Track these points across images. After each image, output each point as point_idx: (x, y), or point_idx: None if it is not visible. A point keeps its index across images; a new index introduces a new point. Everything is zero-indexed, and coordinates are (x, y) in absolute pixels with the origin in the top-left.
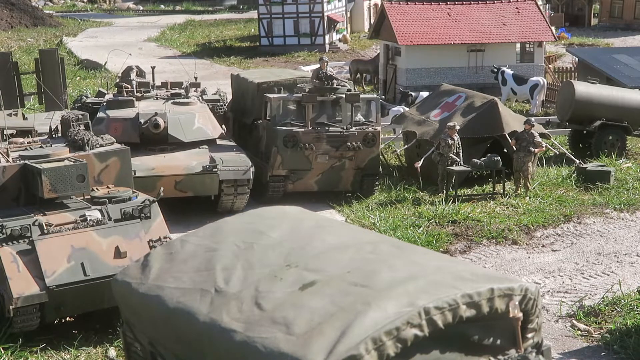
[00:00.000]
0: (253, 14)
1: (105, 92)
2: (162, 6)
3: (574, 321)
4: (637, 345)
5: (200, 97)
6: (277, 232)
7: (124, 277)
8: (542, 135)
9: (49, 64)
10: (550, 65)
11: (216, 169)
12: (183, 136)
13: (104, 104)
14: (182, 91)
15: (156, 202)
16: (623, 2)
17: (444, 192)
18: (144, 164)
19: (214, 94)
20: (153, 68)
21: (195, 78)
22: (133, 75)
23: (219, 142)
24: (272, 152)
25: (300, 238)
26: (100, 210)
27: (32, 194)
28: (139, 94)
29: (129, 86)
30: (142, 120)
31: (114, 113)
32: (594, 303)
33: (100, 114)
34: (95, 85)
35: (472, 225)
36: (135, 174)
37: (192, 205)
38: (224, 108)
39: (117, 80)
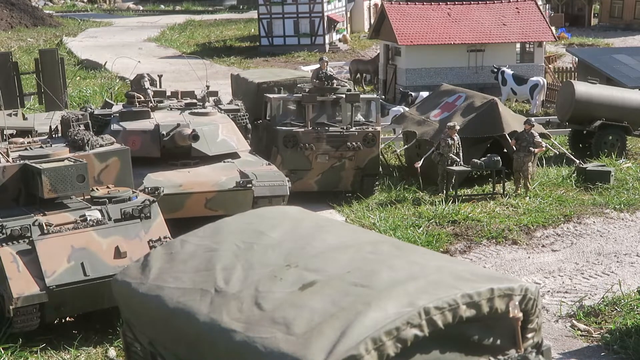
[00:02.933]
0: (253, 14)
1: (113, 102)
2: (162, 6)
3: (574, 321)
4: (637, 345)
5: (218, 108)
6: (277, 232)
7: (124, 277)
8: (542, 135)
9: (49, 64)
10: (550, 65)
11: (250, 185)
12: (207, 149)
13: (116, 115)
14: (195, 101)
15: (156, 202)
16: (623, 2)
17: (444, 192)
18: (169, 180)
19: (229, 103)
20: (160, 77)
21: (208, 87)
22: (147, 84)
23: (242, 155)
24: (272, 152)
25: (300, 238)
26: (100, 210)
27: (32, 194)
28: (152, 105)
29: (141, 96)
30: (163, 132)
31: (130, 125)
32: (594, 303)
33: (114, 126)
34: (95, 86)
35: (472, 225)
36: (162, 191)
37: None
38: (245, 118)
39: (130, 89)
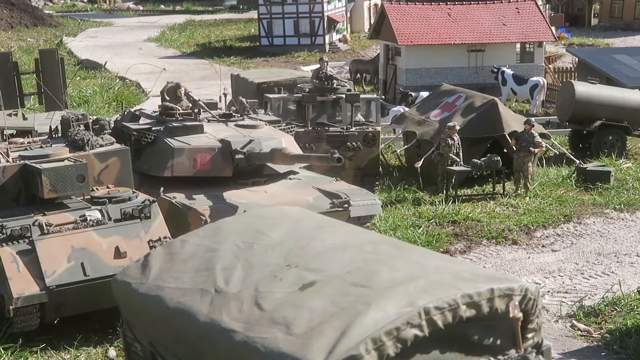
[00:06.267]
0: (253, 14)
1: (137, 113)
2: (162, 6)
3: (574, 321)
4: (637, 345)
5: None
6: (277, 232)
7: (124, 277)
8: (542, 135)
9: (49, 64)
10: (550, 65)
11: (347, 205)
12: (278, 166)
13: (159, 128)
14: (224, 110)
15: (156, 202)
16: (623, 2)
17: (444, 192)
18: (255, 202)
19: (229, 104)
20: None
21: (225, 95)
22: (193, 96)
23: (299, 170)
24: None
25: (300, 238)
26: (100, 210)
27: (32, 194)
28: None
29: (180, 107)
30: (236, 148)
31: (194, 141)
32: (594, 303)
33: (175, 143)
34: (95, 86)
35: (472, 225)
36: None
37: None
38: (292, 130)
39: (163, 99)
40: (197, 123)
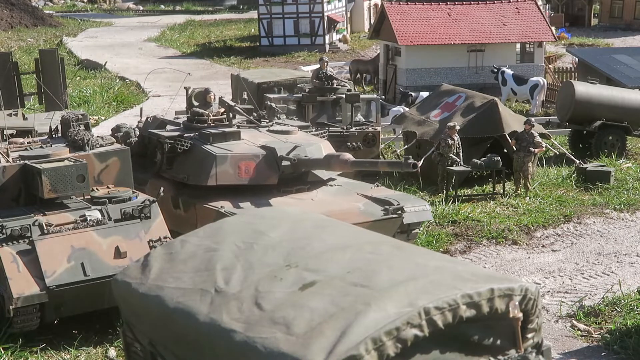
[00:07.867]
0: (253, 14)
1: (166, 118)
2: (162, 6)
3: (574, 321)
4: (637, 345)
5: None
6: (277, 232)
7: (124, 277)
8: (542, 135)
9: (49, 64)
10: (550, 65)
11: (400, 212)
12: (321, 172)
13: (193, 135)
14: (254, 116)
15: (156, 202)
16: (623, 2)
17: (444, 192)
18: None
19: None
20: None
21: (245, 100)
22: (227, 101)
23: (336, 176)
24: None
25: (300, 238)
26: (100, 210)
27: (32, 194)
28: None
29: (210, 113)
30: (281, 155)
31: (233, 147)
32: (594, 303)
33: (216, 151)
34: (95, 86)
35: (472, 225)
36: None
37: None
38: (325, 135)
39: (190, 104)
40: (234, 129)
